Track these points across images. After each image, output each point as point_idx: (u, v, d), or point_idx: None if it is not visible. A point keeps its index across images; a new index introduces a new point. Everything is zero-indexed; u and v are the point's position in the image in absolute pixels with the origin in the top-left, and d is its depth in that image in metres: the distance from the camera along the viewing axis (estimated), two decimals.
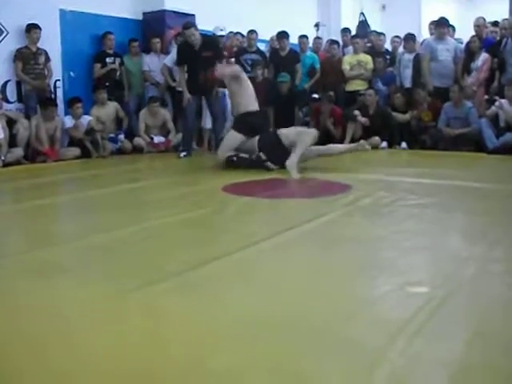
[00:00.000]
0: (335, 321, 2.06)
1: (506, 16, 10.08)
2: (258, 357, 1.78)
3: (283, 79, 8.41)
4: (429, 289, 2.35)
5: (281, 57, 8.94)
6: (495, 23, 8.99)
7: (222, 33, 8.20)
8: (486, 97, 8.10)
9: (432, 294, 2.26)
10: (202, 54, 7.13)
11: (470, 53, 8.13)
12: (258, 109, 6.33)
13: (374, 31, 9.81)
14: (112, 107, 8.05)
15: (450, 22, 9.07)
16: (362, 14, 12.51)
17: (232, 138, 6.23)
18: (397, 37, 9.55)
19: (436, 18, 8.76)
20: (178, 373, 1.69)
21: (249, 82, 6.34)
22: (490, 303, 2.23)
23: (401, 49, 9.11)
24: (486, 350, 1.81)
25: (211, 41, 7.54)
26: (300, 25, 10.27)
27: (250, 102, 6.20)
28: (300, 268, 2.75)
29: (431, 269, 2.74)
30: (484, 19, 8.61)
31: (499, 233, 3.34)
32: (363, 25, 11.91)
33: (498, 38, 8.47)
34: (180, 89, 8.25)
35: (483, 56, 8.02)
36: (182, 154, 7.42)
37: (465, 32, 9.08)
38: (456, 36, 9.35)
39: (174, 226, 3.59)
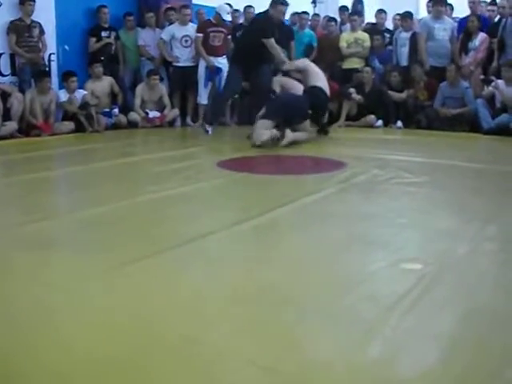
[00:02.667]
0: (328, 296, 2.07)
1: None
2: (254, 330, 1.80)
3: None
4: (422, 265, 2.36)
5: (280, 29, 8.84)
6: (493, 2, 8.91)
7: (228, 17, 8.10)
8: (483, 77, 8.07)
9: (425, 271, 2.28)
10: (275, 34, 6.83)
11: (467, 32, 8.08)
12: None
13: (382, 10, 9.66)
14: (107, 82, 7.98)
15: (448, 1, 9.01)
16: None
17: None
18: (398, 14, 9.44)
19: None
20: (177, 347, 1.70)
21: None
22: (482, 280, 2.25)
23: (399, 27, 9.03)
24: (476, 326, 1.83)
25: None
26: (297, 1, 10.15)
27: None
28: (293, 244, 2.76)
29: (425, 246, 2.76)
30: None
31: (492, 211, 3.36)
32: (358, 2, 11.78)
33: (497, 18, 8.40)
34: (176, 64, 8.24)
35: (481, 36, 7.97)
36: (211, 129, 7.18)
37: (462, 11, 9.00)
38: (454, 15, 9.27)
39: (167, 201, 3.58)
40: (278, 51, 6.82)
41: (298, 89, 6.50)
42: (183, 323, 1.85)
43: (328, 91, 6.64)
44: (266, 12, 6.81)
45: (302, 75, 6.74)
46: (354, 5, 11.20)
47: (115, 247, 2.62)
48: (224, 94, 7.40)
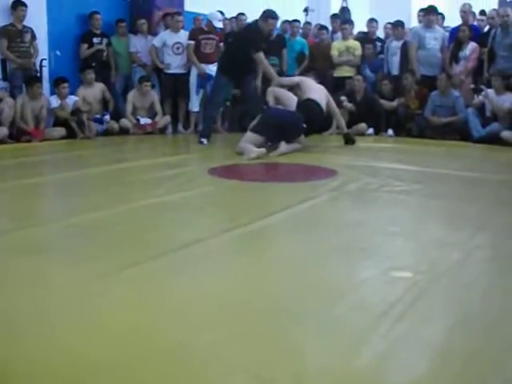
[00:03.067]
0: (319, 304, 2.07)
1: (496, 6, 10.10)
2: (243, 337, 1.79)
3: (273, 62, 8.38)
4: (413, 274, 2.37)
5: (268, 41, 8.89)
6: (482, 12, 8.99)
7: (220, 24, 8.11)
8: (473, 86, 8.12)
9: (416, 279, 2.28)
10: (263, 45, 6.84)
11: (458, 41, 8.13)
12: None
13: (373, 19, 9.73)
14: (98, 88, 7.97)
15: (440, 10, 9.07)
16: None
17: None
18: (389, 23, 9.50)
19: (425, 6, 8.74)
20: (165, 354, 1.69)
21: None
22: (473, 289, 2.26)
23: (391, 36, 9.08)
24: (467, 335, 1.83)
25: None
26: (289, 9, 10.21)
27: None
28: (284, 252, 2.75)
29: (415, 254, 2.76)
30: (470, 5, 8.59)
31: (483, 220, 3.37)
32: (344, 10, 11.85)
33: (487, 28, 8.47)
34: (168, 71, 8.24)
35: (471, 45, 8.03)
36: (206, 141, 7.03)
37: (454, 20, 9.06)
38: (445, 24, 9.32)
39: (159, 208, 3.57)
40: (267, 65, 6.77)
41: (293, 101, 6.46)
42: (175, 329, 1.84)
43: (324, 104, 6.59)
44: (255, 23, 6.77)
45: (294, 91, 6.69)
46: (341, 13, 11.27)
47: (106, 254, 2.61)
48: (213, 103, 7.31)
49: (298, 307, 2.03)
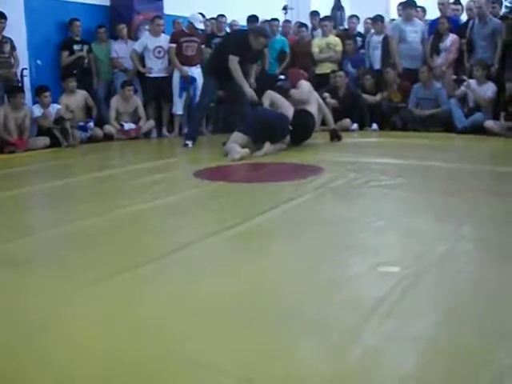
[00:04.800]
0: (308, 302, 2.08)
1: None
2: (231, 340, 1.79)
3: None
4: (400, 268, 2.38)
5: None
6: (457, 1, 9.03)
7: (201, 25, 8.09)
8: (455, 77, 8.17)
9: (403, 274, 2.29)
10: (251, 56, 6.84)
11: (438, 34, 8.18)
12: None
13: (354, 15, 9.77)
14: (81, 95, 7.93)
15: (421, 4, 9.11)
16: None
17: None
18: (369, 18, 9.53)
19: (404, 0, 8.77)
20: (154, 359, 1.69)
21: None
22: (460, 281, 2.27)
23: (372, 30, 9.11)
24: (455, 329, 1.84)
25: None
26: (268, 8, 10.19)
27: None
28: (272, 251, 2.76)
29: (402, 248, 2.77)
30: None
31: (468, 212, 3.39)
32: (338, 8, 11.80)
33: (465, 20, 8.52)
34: (150, 75, 8.22)
35: (451, 37, 8.07)
36: (190, 143, 7.01)
37: (432, 13, 9.10)
38: (427, 17, 9.37)
39: (145, 214, 3.57)
40: (237, 72, 6.62)
41: (287, 108, 6.46)
42: (160, 335, 1.84)
43: (317, 117, 6.70)
44: (246, 34, 6.78)
45: (292, 100, 6.71)
46: (333, 10, 11.25)
47: (93, 262, 2.60)
48: (201, 106, 7.31)
49: (287, 305, 2.04)
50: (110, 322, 1.95)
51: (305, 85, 6.87)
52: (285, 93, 6.79)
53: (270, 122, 6.08)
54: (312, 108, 6.62)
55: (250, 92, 6.65)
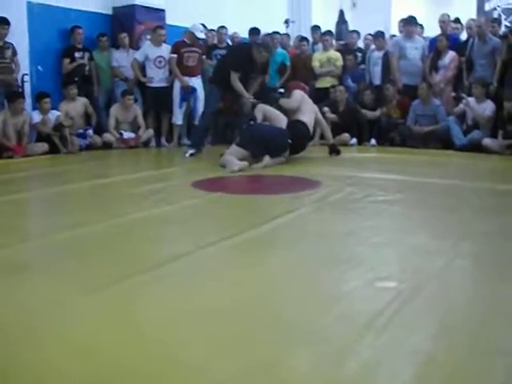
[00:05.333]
0: (305, 315, 2.07)
1: (474, 15, 10.23)
2: (228, 351, 1.79)
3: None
4: (397, 283, 2.38)
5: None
6: (457, 20, 9.12)
7: (202, 35, 8.13)
8: (454, 94, 8.21)
9: (400, 289, 2.29)
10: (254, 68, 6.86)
11: (437, 51, 8.23)
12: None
13: (355, 31, 9.85)
14: (81, 103, 7.96)
15: (420, 21, 9.19)
16: (342, 12, 12.52)
17: None
18: (370, 34, 9.60)
19: (405, 16, 8.84)
20: (153, 367, 1.68)
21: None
22: (456, 298, 2.27)
23: (373, 46, 9.17)
24: (451, 343, 1.84)
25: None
26: (270, 21, 10.26)
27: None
28: (269, 263, 2.76)
29: (399, 264, 2.77)
30: (448, 16, 8.72)
31: (466, 228, 3.40)
32: (342, 22, 11.91)
33: (465, 38, 8.59)
34: (150, 85, 8.24)
35: (450, 54, 8.12)
36: (189, 153, 7.05)
37: (434, 30, 9.17)
38: (424, 34, 9.44)
39: (142, 223, 3.56)
40: (237, 86, 6.73)
41: (281, 120, 6.46)
42: (159, 343, 1.83)
43: (311, 126, 6.70)
44: (248, 48, 6.85)
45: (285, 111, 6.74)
46: (337, 25, 11.33)
47: (92, 269, 2.59)
48: (205, 115, 7.37)
49: (284, 317, 2.03)
50: (109, 329, 1.95)
51: (297, 94, 6.85)
52: (275, 103, 6.82)
53: (270, 138, 6.09)
54: (305, 117, 6.60)
55: (247, 103, 6.69)
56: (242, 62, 6.72)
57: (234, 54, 7.07)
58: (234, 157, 5.82)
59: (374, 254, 2.87)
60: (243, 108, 6.81)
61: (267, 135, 6.13)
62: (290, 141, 6.22)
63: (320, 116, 6.98)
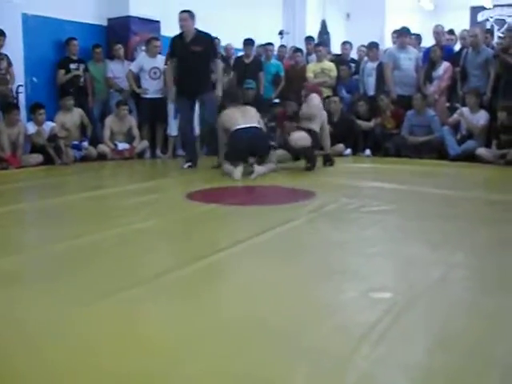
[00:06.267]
0: (300, 327, 2.07)
1: (467, 26, 10.29)
2: (224, 365, 1.78)
3: (250, 86, 8.46)
4: (392, 294, 2.38)
5: (245, 64, 9.00)
6: (451, 31, 9.18)
7: None
8: (448, 104, 8.24)
9: (395, 300, 2.29)
10: (192, 47, 6.76)
11: (431, 61, 8.26)
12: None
13: (347, 41, 9.92)
14: (77, 114, 7.95)
15: (414, 32, 9.24)
16: (324, 22, 12.66)
17: None
18: (363, 46, 9.66)
19: (399, 27, 8.89)
20: (149, 379, 1.67)
21: None
22: (452, 309, 2.27)
23: (366, 57, 9.21)
24: (447, 355, 1.84)
25: (203, 35, 6.95)
26: (265, 32, 10.30)
27: None
28: (264, 275, 2.75)
29: (394, 274, 2.77)
30: (442, 27, 8.77)
31: (461, 238, 3.40)
32: (324, 33, 12.11)
33: (459, 49, 8.64)
34: (145, 96, 8.24)
35: (444, 65, 8.16)
36: (186, 165, 6.98)
37: (427, 41, 9.23)
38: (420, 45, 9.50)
39: (136, 235, 3.54)
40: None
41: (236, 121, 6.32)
42: (150, 360, 1.82)
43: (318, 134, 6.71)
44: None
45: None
46: (320, 35, 11.48)
47: (85, 282, 2.58)
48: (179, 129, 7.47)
49: (278, 331, 2.02)
50: (105, 341, 1.94)
51: (315, 98, 6.79)
52: (295, 115, 6.79)
53: (251, 140, 6.07)
54: (315, 125, 6.60)
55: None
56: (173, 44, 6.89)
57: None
58: (228, 164, 5.93)
59: (369, 265, 2.87)
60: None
61: (249, 139, 6.09)
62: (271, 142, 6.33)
63: (326, 125, 6.98)
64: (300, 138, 6.42)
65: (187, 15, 6.74)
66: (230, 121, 6.27)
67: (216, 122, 6.63)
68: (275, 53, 9.78)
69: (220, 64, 7.08)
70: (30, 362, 1.80)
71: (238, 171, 5.85)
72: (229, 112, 6.38)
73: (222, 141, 6.48)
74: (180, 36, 6.88)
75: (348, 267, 2.86)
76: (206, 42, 6.89)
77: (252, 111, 6.48)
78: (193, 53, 6.73)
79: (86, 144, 7.88)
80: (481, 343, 1.93)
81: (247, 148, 6.05)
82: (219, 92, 6.92)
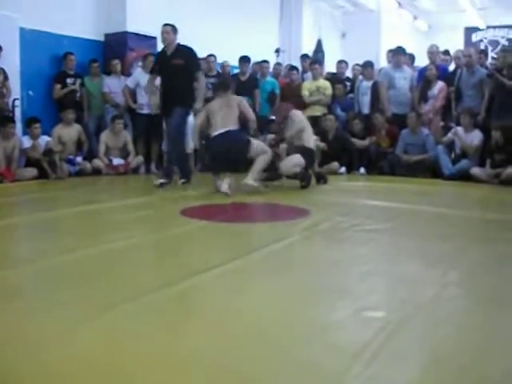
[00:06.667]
0: (292, 346, 2.06)
1: (461, 46, 10.38)
2: (219, 377, 1.77)
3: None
4: (385, 313, 2.37)
5: (241, 81, 9.04)
6: (446, 52, 9.27)
7: None
8: (442, 124, 8.29)
9: (388, 319, 2.28)
10: (173, 61, 6.68)
11: (426, 81, 8.32)
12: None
13: (343, 60, 9.99)
14: (75, 129, 7.99)
15: (409, 52, 9.31)
16: (319, 40, 12.77)
17: None
18: (357, 65, 9.73)
19: (394, 47, 8.96)
20: None
21: None
22: (445, 328, 2.26)
23: (361, 76, 9.27)
24: (440, 375, 1.83)
25: (184, 49, 6.85)
26: (261, 50, 10.37)
27: None
28: (256, 293, 2.74)
29: (388, 293, 2.77)
30: (437, 47, 8.85)
31: (454, 257, 3.40)
32: (318, 51, 12.24)
33: (453, 68, 8.71)
34: (141, 111, 8.26)
35: (439, 85, 8.22)
36: (181, 182, 6.88)
37: (422, 61, 9.30)
38: (415, 65, 9.56)
39: (130, 250, 3.53)
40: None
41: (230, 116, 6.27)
42: (152, 376, 1.81)
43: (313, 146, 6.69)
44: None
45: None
46: (314, 53, 11.58)
47: (78, 297, 2.56)
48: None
49: (271, 350, 2.02)
50: (91, 361, 1.92)
51: (296, 114, 6.72)
52: (280, 141, 6.73)
53: (226, 147, 6.00)
54: (306, 139, 6.53)
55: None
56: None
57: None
58: (217, 178, 5.98)
59: (362, 284, 2.87)
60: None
61: (223, 145, 6.03)
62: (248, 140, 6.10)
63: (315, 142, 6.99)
64: (290, 167, 6.39)
65: (170, 28, 6.70)
66: (211, 120, 6.23)
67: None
68: (270, 70, 9.83)
69: (202, 77, 6.90)
70: (32, 373, 1.78)
71: (225, 183, 5.83)
72: (213, 106, 6.33)
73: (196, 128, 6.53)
74: (162, 50, 6.88)
75: (341, 285, 2.85)
76: (187, 55, 6.76)
77: (234, 104, 6.34)
78: (174, 66, 6.64)
79: (79, 159, 7.88)
80: (474, 361, 1.93)
81: (223, 158, 6.02)
82: (198, 105, 6.70)
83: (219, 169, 6.07)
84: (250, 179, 5.94)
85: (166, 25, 6.74)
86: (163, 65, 6.75)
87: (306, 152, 6.43)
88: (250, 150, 6.06)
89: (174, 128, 6.72)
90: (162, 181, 6.65)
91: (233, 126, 6.17)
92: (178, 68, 6.64)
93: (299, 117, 6.70)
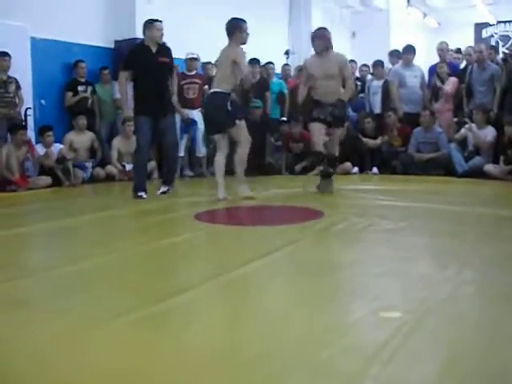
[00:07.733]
0: (309, 348, 2.06)
1: (472, 43, 10.34)
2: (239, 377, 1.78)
3: (256, 105, 8.49)
4: (402, 313, 2.36)
5: (251, 84, 9.02)
6: (458, 50, 9.23)
7: (194, 56, 8.24)
8: (456, 119, 8.26)
9: (405, 319, 2.27)
10: (159, 58, 6.18)
11: (438, 78, 8.29)
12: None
13: (352, 60, 9.98)
14: (88, 137, 8.05)
15: (419, 50, 9.29)
16: None
17: None
18: (365, 65, 9.71)
19: (393, 48, 8.96)
20: None
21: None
22: (461, 327, 2.25)
23: (369, 76, 9.25)
24: (458, 374, 1.82)
25: (165, 46, 6.44)
26: (271, 51, 10.37)
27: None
28: (272, 296, 2.74)
29: (404, 293, 2.75)
30: (446, 44, 8.81)
31: (470, 255, 3.39)
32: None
33: (464, 65, 8.67)
34: None
35: (451, 80, 8.19)
36: (160, 192, 6.46)
37: (432, 58, 9.26)
38: (423, 63, 9.53)
39: (144, 256, 3.55)
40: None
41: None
42: (166, 381, 1.81)
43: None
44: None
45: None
46: None
47: (94, 304, 2.57)
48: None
49: (288, 352, 2.01)
50: (106, 366, 1.93)
51: (335, 53, 6.74)
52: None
53: (210, 112, 5.90)
54: (335, 84, 6.38)
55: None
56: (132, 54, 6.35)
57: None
58: (220, 181, 5.86)
59: (378, 284, 2.86)
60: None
61: (206, 109, 6.03)
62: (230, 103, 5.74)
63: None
64: (336, 149, 6.31)
65: (162, 25, 6.29)
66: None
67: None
68: (276, 71, 9.82)
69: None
70: (40, 380, 1.80)
71: (245, 187, 5.83)
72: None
73: None
74: (142, 46, 6.29)
75: (357, 286, 2.85)
76: (170, 53, 6.36)
77: (227, 57, 6.19)
78: (160, 64, 6.16)
79: (89, 165, 7.93)
80: (491, 361, 1.92)
81: (209, 121, 5.95)
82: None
83: (209, 131, 6.15)
84: (245, 189, 5.83)
85: (159, 21, 6.29)
86: (146, 62, 6.12)
87: (337, 105, 6.18)
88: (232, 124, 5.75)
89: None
90: (164, 189, 6.48)
91: (221, 87, 5.81)
92: (164, 67, 6.22)
93: (339, 58, 6.70)
